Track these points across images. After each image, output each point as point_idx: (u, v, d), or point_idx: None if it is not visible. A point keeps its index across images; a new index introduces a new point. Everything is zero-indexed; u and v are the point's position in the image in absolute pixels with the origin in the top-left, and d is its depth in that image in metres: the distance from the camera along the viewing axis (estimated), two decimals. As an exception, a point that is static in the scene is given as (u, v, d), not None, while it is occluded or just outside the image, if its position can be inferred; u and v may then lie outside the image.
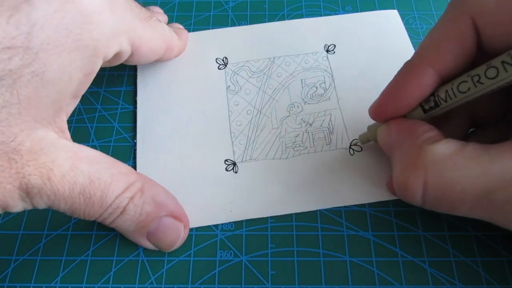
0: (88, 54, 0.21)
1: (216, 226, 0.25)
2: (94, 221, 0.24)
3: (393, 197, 0.25)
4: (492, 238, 0.24)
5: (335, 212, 0.25)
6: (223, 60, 0.31)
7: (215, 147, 0.28)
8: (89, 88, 0.23)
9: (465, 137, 0.24)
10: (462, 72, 0.19)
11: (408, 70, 0.21)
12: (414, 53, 0.21)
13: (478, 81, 0.18)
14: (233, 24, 0.34)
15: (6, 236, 0.25)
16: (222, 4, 0.35)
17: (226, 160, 0.27)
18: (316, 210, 0.25)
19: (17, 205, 0.19)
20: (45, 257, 0.24)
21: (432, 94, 0.20)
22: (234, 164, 0.27)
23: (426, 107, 0.21)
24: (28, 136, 0.18)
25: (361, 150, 0.27)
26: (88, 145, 0.27)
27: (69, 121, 0.23)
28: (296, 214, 0.25)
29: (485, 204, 0.18)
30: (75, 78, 0.21)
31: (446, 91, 0.20)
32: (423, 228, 0.25)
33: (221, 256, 0.24)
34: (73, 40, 0.20)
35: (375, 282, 0.23)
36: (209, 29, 0.33)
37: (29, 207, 0.20)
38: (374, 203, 0.25)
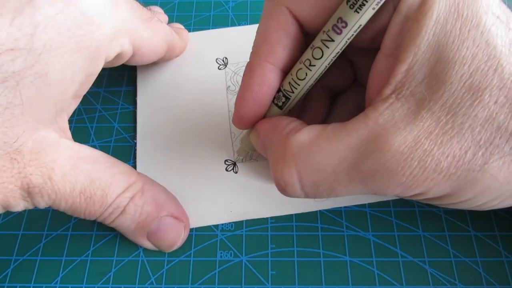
0: (90, 55, 0.21)
1: (216, 226, 0.25)
2: (94, 221, 0.24)
3: (393, 197, 0.25)
4: (492, 238, 0.24)
5: (335, 212, 0.25)
6: (223, 60, 0.31)
7: (215, 147, 0.28)
8: (89, 88, 0.23)
9: (328, 116, 0.24)
10: (297, 60, 0.20)
11: (249, 71, 0.20)
12: (251, 53, 0.20)
13: (310, 65, 0.19)
14: (233, 24, 0.34)
15: (6, 236, 0.25)
16: (222, 4, 0.35)
17: (226, 160, 0.27)
18: (316, 210, 0.25)
19: (19, 205, 0.19)
20: (45, 257, 0.24)
21: (279, 89, 0.21)
22: (234, 164, 0.27)
23: (279, 103, 0.21)
24: (30, 136, 0.19)
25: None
26: (88, 145, 0.27)
27: (69, 121, 0.23)
28: (296, 214, 0.25)
29: (357, 177, 0.17)
30: (77, 79, 0.21)
31: (289, 82, 0.20)
32: (423, 228, 0.25)
33: (221, 256, 0.24)
34: (76, 42, 0.20)
35: (375, 282, 0.23)
36: (209, 29, 0.33)
37: (30, 206, 0.20)
38: (374, 203, 0.25)
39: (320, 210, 0.25)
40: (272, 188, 0.26)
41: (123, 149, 0.28)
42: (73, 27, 0.19)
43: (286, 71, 0.20)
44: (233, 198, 0.26)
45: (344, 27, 0.17)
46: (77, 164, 0.20)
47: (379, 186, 0.17)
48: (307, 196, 0.19)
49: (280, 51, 0.19)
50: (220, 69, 0.31)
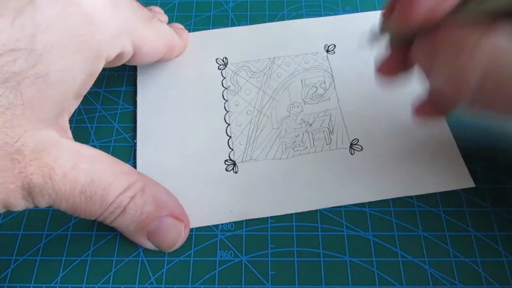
0: (91, 55, 0.21)
1: (216, 226, 0.25)
2: (94, 221, 0.25)
3: (393, 196, 0.25)
4: (492, 238, 0.24)
5: (335, 212, 0.25)
6: (223, 60, 0.31)
7: (215, 148, 0.28)
8: (88, 90, 0.23)
9: None
10: None
11: None
12: None
13: None
14: (233, 24, 0.34)
15: (6, 236, 0.25)
16: (222, 4, 0.35)
17: (226, 160, 0.27)
18: (316, 210, 0.25)
19: (19, 204, 0.19)
20: (45, 257, 0.24)
21: None
22: (234, 164, 0.27)
23: (471, 13, 0.17)
24: (31, 136, 0.19)
25: (361, 149, 0.27)
26: (89, 145, 0.27)
27: (69, 121, 0.23)
28: (296, 214, 0.25)
29: None
30: (78, 79, 0.21)
31: None
32: (423, 228, 0.25)
33: (221, 256, 0.24)
34: (76, 42, 0.20)
35: (375, 282, 0.23)
36: (209, 29, 0.33)
37: (31, 206, 0.20)
38: (374, 202, 0.25)
39: (320, 210, 0.25)
40: (272, 188, 0.26)
41: (123, 149, 0.28)
42: (74, 27, 0.19)
43: None
44: (233, 198, 0.26)
45: None
46: (78, 163, 0.20)
47: None
48: (472, 100, 0.18)
49: None
50: (220, 69, 0.31)
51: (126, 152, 0.28)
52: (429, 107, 0.22)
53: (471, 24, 0.17)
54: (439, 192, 0.26)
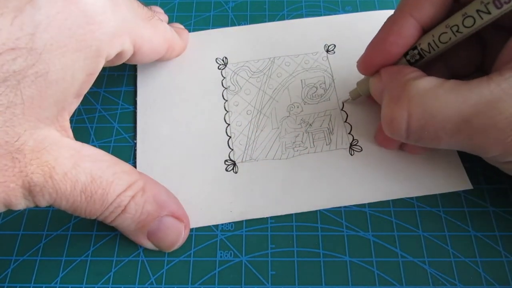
0: (91, 54, 0.21)
1: (216, 226, 0.25)
2: (94, 221, 0.25)
3: (393, 198, 0.25)
4: (492, 238, 0.24)
5: (335, 212, 0.25)
6: (223, 60, 0.31)
7: (215, 148, 0.28)
8: (89, 88, 0.23)
9: None
10: (440, 20, 0.21)
11: (391, 21, 0.22)
12: (396, 7, 0.22)
13: (457, 31, 0.20)
14: (233, 24, 0.34)
15: (6, 236, 0.25)
16: (222, 4, 0.35)
17: (226, 160, 0.27)
18: (316, 210, 0.25)
19: (20, 203, 0.19)
20: (45, 257, 0.24)
21: (415, 47, 0.22)
22: (234, 164, 0.27)
23: (412, 60, 0.22)
24: (31, 135, 0.19)
25: (361, 150, 0.27)
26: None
27: (69, 121, 0.23)
28: (296, 214, 0.25)
29: (466, 131, 0.19)
30: (78, 78, 0.21)
31: (429, 43, 0.21)
32: (423, 228, 0.25)
33: (221, 256, 0.24)
34: (76, 41, 0.20)
35: (375, 282, 0.23)
36: (209, 29, 0.33)
37: (31, 205, 0.20)
38: (374, 203, 0.25)
39: (320, 210, 0.25)
40: (272, 188, 0.26)
41: (123, 149, 0.28)
42: (74, 26, 0.19)
43: (425, 30, 0.22)
44: (233, 198, 0.26)
45: (506, 3, 0.18)
46: (78, 162, 0.20)
47: (484, 142, 0.19)
48: (407, 138, 0.21)
49: (427, 7, 0.21)
50: (220, 69, 0.31)
51: (126, 152, 0.28)
52: (384, 136, 0.25)
53: (407, 68, 0.22)
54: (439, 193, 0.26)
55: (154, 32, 0.26)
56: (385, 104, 0.22)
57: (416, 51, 0.22)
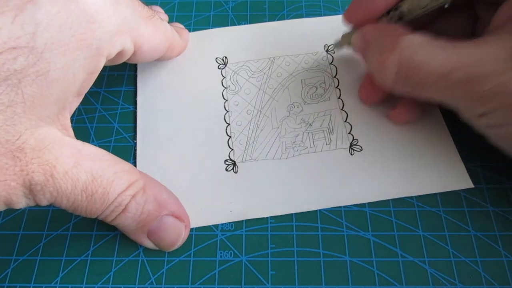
0: (92, 53, 0.21)
1: (216, 226, 0.25)
2: (94, 221, 0.25)
3: (393, 197, 0.25)
4: (492, 238, 0.24)
5: (335, 212, 0.25)
6: (223, 60, 0.31)
7: (215, 147, 0.28)
8: (89, 88, 0.23)
9: None
10: None
11: None
12: None
13: None
14: (233, 24, 0.34)
15: (6, 236, 0.25)
16: (222, 4, 0.35)
17: (226, 160, 0.27)
18: (316, 210, 0.25)
19: (21, 202, 0.19)
20: (45, 257, 0.24)
21: (397, 8, 0.24)
22: (234, 164, 0.27)
23: (392, 21, 0.24)
24: (32, 134, 0.19)
25: (361, 150, 0.27)
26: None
27: (70, 120, 0.23)
28: (296, 214, 0.25)
29: (443, 84, 0.21)
30: (78, 77, 0.21)
31: (408, 8, 0.23)
32: (423, 228, 0.25)
33: (221, 256, 0.24)
34: (77, 40, 0.20)
35: (375, 282, 0.23)
36: (209, 29, 0.33)
37: (32, 204, 0.20)
38: (374, 203, 0.25)
39: (320, 210, 0.25)
40: (272, 188, 0.26)
41: (123, 149, 0.28)
42: (74, 25, 0.19)
43: None
44: (233, 198, 0.26)
45: None
46: (79, 161, 0.20)
47: (459, 95, 0.21)
48: (393, 85, 0.23)
49: None
50: (220, 68, 0.31)
51: (126, 152, 0.28)
52: (370, 87, 0.28)
53: (396, 25, 0.24)
54: (439, 192, 0.26)
55: (155, 31, 0.26)
56: (377, 54, 0.24)
57: (396, 12, 0.24)
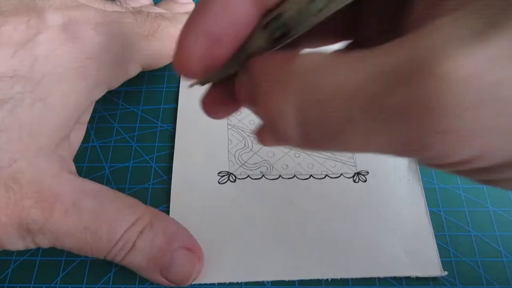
0: (92, 84, 0.21)
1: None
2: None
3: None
4: (492, 238, 0.24)
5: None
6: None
7: None
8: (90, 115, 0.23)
9: None
10: None
11: None
12: None
13: None
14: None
15: (6, 236, 0.25)
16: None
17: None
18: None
19: (15, 242, 0.18)
20: (45, 257, 0.24)
21: (277, 17, 0.13)
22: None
23: (275, 36, 0.13)
24: (29, 165, 0.18)
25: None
26: (88, 145, 0.27)
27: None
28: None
29: (379, 116, 0.10)
30: (80, 103, 0.21)
31: (299, 10, 0.12)
32: (423, 228, 0.25)
33: (221, 256, 0.24)
34: (76, 72, 0.20)
35: (375, 282, 0.23)
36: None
37: (32, 246, 0.19)
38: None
39: (320, 210, 0.25)
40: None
41: (123, 149, 0.28)
42: (72, 61, 0.20)
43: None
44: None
45: None
46: (80, 198, 0.19)
47: (411, 133, 0.10)
48: (301, 140, 0.12)
49: None
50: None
51: (126, 152, 0.28)
52: (267, 135, 0.16)
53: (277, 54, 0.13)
54: (438, 190, 0.26)
55: (161, 43, 0.25)
56: (265, 96, 0.13)
57: (278, 23, 0.13)
